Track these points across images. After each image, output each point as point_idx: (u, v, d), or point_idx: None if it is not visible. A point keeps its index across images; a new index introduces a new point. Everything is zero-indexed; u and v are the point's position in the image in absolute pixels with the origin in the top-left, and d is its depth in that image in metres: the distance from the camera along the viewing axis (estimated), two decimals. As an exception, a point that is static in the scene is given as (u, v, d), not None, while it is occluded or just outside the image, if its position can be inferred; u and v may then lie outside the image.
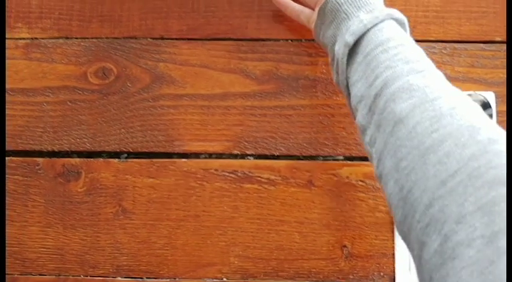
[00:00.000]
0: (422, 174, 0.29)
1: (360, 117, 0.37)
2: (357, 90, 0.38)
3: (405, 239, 0.31)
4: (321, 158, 0.50)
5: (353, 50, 0.39)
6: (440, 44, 0.50)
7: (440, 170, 0.28)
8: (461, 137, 0.29)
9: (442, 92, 0.33)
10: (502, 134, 0.29)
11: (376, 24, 0.38)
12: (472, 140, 0.29)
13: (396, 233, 0.48)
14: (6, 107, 0.51)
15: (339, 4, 0.41)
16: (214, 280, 0.49)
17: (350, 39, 0.39)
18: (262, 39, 0.51)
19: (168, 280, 0.49)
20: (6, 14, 0.51)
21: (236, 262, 0.49)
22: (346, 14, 0.40)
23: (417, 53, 0.36)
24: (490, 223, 0.24)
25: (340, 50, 0.39)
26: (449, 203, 0.27)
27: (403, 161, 0.31)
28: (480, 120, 0.30)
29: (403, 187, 0.30)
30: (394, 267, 0.48)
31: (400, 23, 0.40)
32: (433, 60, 0.48)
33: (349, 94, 0.40)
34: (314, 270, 0.48)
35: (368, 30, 0.38)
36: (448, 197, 0.27)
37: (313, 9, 0.45)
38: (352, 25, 0.39)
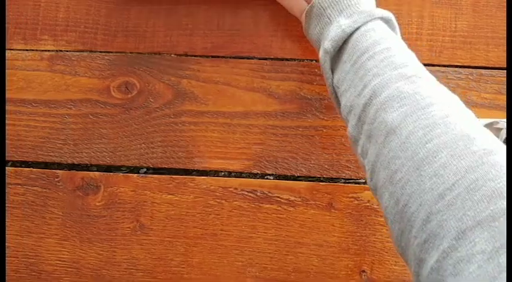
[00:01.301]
0: (418, 187, 0.28)
1: (350, 127, 0.36)
2: (346, 100, 0.36)
3: (403, 254, 0.30)
4: (342, 180, 0.49)
5: (339, 57, 0.38)
6: (467, 69, 0.49)
7: (437, 183, 0.27)
8: (456, 148, 0.28)
9: (434, 98, 0.32)
10: (497, 144, 0.29)
11: (357, 29, 0.37)
12: (467, 150, 0.28)
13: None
14: (29, 117, 0.51)
15: (323, 8, 0.39)
16: (230, 301, 0.48)
17: (328, 45, 0.37)
18: (287, 59, 0.50)
19: (183, 299, 0.48)
20: (33, 26, 0.52)
21: (252, 283, 0.48)
22: (329, 19, 0.39)
23: (405, 57, 0.35)
24: (490, 239, 0.24)
25: (321, 56, 0.38)
26: (448, 218, 0.26)
27: (398, 173, 0.30)
28: (474, 129, 0.29)
29: (399, 200, 0.29)
30: (413, 295, 0.47)
31: (386, 21, 0.38)
32: (459, 86, 0.48)
33: (339, 104, 0.39)
34: (331, 294, 0.48)
35: (350, 35, 0.37)
36: (447, 211, 0.26)
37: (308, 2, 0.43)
38: (331, 31, 0.38)
